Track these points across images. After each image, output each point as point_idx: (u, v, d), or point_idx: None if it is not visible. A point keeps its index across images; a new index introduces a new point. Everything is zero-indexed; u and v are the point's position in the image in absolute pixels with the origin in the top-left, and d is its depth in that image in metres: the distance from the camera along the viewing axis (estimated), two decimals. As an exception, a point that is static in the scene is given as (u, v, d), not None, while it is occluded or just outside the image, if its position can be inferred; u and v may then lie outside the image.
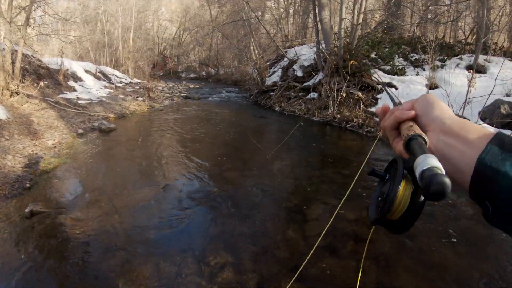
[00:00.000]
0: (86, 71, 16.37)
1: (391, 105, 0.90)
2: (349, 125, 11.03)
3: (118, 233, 4.16)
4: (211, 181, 6.09)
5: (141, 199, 5.15)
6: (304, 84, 14.63)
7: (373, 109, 11.40)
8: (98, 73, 17.45)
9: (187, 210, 4.87)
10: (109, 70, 19.97)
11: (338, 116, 11.66)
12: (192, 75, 35.66)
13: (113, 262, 3.62)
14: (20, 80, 10.18)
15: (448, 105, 8.81)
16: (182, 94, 19.02)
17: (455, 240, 4.25)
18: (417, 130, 0.68)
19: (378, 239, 4.20)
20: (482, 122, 8.35)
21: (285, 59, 17.40)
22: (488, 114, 8.62)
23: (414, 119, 0.74)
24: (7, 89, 9.30)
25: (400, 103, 0.87)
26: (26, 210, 4.52)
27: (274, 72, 17.71)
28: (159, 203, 5.07)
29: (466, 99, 8.53)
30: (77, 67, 15.81)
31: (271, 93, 15.89)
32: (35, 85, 10.85)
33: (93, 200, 5.08)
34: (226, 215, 4.77)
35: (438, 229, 4.54)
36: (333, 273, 3.54)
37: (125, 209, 4.82)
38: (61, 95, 11.91)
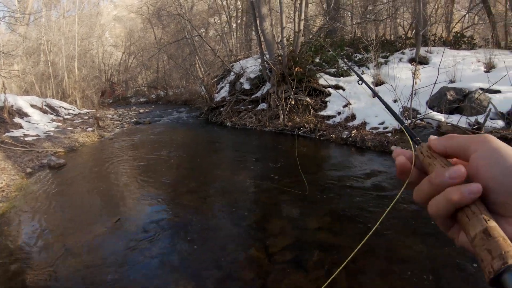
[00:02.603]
0: (32, 106, 15.47)
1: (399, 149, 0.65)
2: (301, 131, 10.86)
3: (72, 277, 3.86)
4: (166, 207, 5.84)
5: (95, 237, 4.81)
6: (253, 96, 14.41)
7: (323, 113, 11.29)
8: (44, 107, 16.53)
9: (143, 241, 4.57)
10: (56, 103, 19.02)
11: (290, 123, 11.47)
12: (142, 99, 34.75)
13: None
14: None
15: (395, 98, 8.82)
16: (133, 120, 18.40)
17: (422, 231, 4.24)
18: (505, 244, 0.43)
19: (344, 245, 4.11)
20: (431, 111, 8.37)
21: (232, 73, 17.18)
22: (436, 102, 8.72)
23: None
24: None
25: (419, 144, 0.63)
26: (-29, 262, 4.19)
27: (222, 87, 17.47)
28: (113, 239, 4.75)
29: (412, 91, 8.49)
30: (23, 102, 14.92)
31: (221, 109, 15.58)
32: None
33: (45, 244, 4.74)
34: (184, 242, 4.53)
35: (404, 223, 4.51)
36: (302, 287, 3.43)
37: (79, 249, 4.47)
38: (7, 134, 11.13)
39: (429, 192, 0.52)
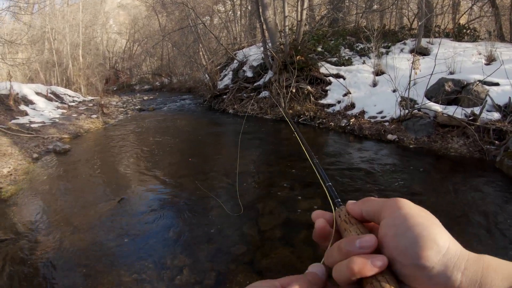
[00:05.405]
0: (37, 93, 15.55)
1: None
2: (301, 119, 10.99)
3: (78, 251, 4.11)
4: (166, 189, 6.08)
5: (99, 215, 5.07)
6: (255, 84, 14.51)
7: (323, 101, 11.40)
8: (49, 94, 16.62)
9: (144, 219, 4.85)
10: (60, 90, 19.06)
11: (290, 111, 11.58)
12: (146, 87, 34.63)
13: (75, 279, 3.60)
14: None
15: (394, 89, 8.89)
16: (137, 107, 18.45)
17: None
18: None
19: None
20: (428, 101, 8.44)
21: (235, 61, 17.23)
22: (434, 93, 8.74)
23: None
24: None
25: (339, 205, 0.61)
26: (-14, 240, 4.40)
27: (225, 75, 17.54)
28: (116, 217, 5.01)
29: (409, 81, 8.56)
30: (28, 90, 15.01)
31: (224, 97, 15.67)
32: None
33: (52, 222, 4.97)
34: (181, 220, 4.80)
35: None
36: (288, 262, 3.63)
37: (84, 227, 4.73)
38: (13, 121, 11.25)
39: (339, 258, 0.50)
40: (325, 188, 0.67)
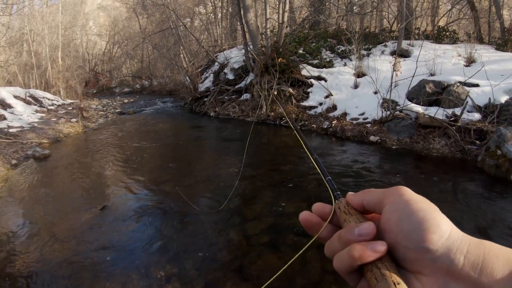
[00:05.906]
0: (16, 97, 15.20)
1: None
2: (283, 121, 10.93)
3: (60, 262, 3.94)
4: (149, 195, 5.96)
5: (81, 224, 4.90)
6: (236, 86, 14.42)
7: (305, 103, 11.37)
8: (28, 98, 16.26)
9: (127, 227, 4.72)
10: (39, 93, 18.67)
11: (272, 114, 11.55)
12: (126, 89, 34.23)
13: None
14: None
15: (376, 90, 8.90)
16: (117, 110, 18.18)
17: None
18: None
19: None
20: (409, 103, 8.49)
21: (216, 63, 17.11)
22: (415, 95, 8.83)
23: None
24: None
25: (339, 198, 0.61)
26: (-39, 252, 4.20)
27: (206, 77, 17.38)
28: (99, 225, 4.85)
29: (391, 83, 8.59)
30: (6, 93, 14.65)
31: (205, 99, 15.54)
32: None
33: (33, 232, 4.79)
34: (165, 228, 4.71)
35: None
36: (276, 268, 3.50)
37: (66, 236, 4.55)
38: None
39: (339, 248, 0.51)
40: (325, 182, 0.68)
